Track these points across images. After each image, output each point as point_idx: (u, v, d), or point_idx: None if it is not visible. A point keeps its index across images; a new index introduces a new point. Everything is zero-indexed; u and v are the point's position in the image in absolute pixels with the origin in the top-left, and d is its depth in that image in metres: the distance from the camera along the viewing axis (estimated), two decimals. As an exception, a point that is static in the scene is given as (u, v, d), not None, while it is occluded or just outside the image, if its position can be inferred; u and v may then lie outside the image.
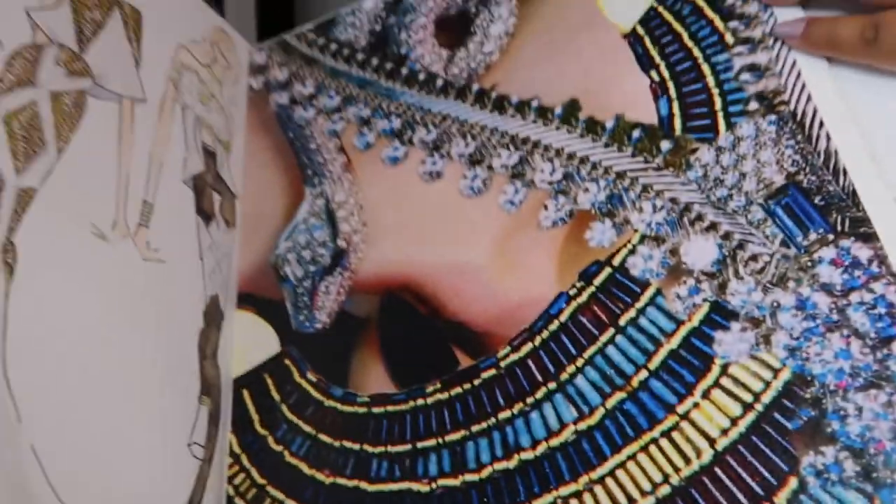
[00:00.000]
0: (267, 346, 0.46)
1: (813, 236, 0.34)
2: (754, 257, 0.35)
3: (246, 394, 0.45)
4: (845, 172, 0.35)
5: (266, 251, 0.49)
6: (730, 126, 0.38)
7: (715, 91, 0.39)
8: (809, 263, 0.34)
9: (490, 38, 0.48)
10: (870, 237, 0.33)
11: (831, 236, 0.34)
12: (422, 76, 0.49)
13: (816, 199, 0.35)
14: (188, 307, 0.45)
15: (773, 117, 0.37)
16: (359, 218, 0.47)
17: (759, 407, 0.33)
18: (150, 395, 0.41)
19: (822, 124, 0.36)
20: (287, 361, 0.45)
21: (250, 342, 0.46)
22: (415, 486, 0.38)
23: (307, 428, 0.42)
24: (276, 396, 0.44)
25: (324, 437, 0.41)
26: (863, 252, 0.33)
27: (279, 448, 0.42)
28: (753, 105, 0.38)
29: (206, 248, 0.48)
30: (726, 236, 0.36)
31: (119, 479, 0.38)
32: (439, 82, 0.48)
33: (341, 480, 0.40)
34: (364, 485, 0.39)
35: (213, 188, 0.50)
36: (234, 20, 0.57)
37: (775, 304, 0.34)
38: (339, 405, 0.42)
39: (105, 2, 0.46)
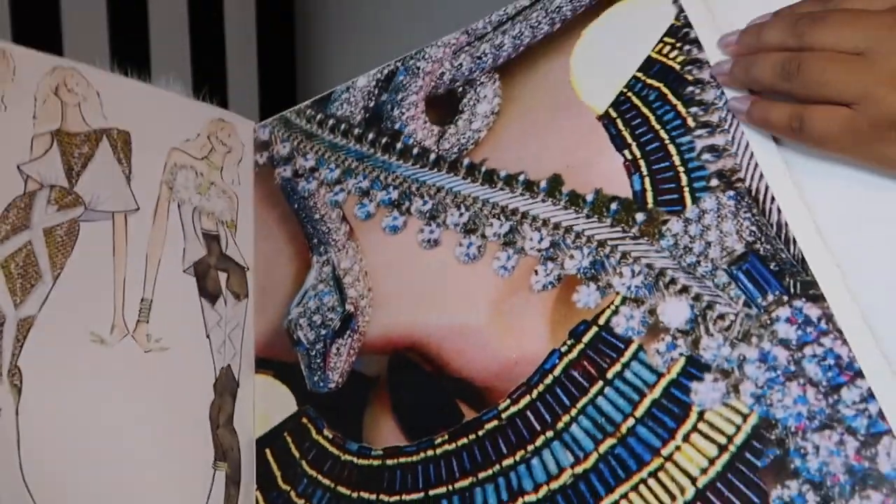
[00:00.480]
0: (285, 406, 0.50)
1: (770, 297, 0.40)
2: (722, 316, 0.41)
3: (268, 452, 0.49)
4: (794, 242, 0.40)
5: (280, 317, 0.53)
6: (695, 200, 0.44)
7: (681, 169, 0.45)
8: (769, 321, 0.39)
9: (477, 116, 0.53)
10: (818, 298, 0.39)
11: (786, 297, 0.39)
12: (416, 150, 0.54)
13: (772, 265, 0.40)
14: (197, 384, 0.50)
15: (731, 192, 0.43)
16: (364, 283, 0.52)
17: (732, 448, 0.38)
18: (163, 471, 0.46)
19: (773, 199, 0.42)
20: (304, 420, 0.49)
21: (270, 404, 0.51)
22: (430, 530, 0.43)
23: (326, 482, 0.46)
24: (296, 453, 0.48)
25: (342, 490, 0.46)
26: (813, 311, 0.39)
27: (301, 502, 0.46)
28: (714, 182, 0.44)
29: (214, 325, 0.52)
30: (697, 298, 0.41)
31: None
32: (432, 156, 0.53)
33: (362, 527, 0.44)
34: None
35: (217, 268, 0.54)
36: (238, 101, 0.61)
37: (741, 357, 0.39)
38: (355, 459, 0.46)
39: (92, 136, 0.51)
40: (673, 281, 0.42)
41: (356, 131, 0.57)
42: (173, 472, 0.46)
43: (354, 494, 0.45)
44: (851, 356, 0.37)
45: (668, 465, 0.39)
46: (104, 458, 0.43)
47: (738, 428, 0.38)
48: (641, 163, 0.46)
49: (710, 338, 0.40)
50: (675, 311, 0.42)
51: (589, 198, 0.47)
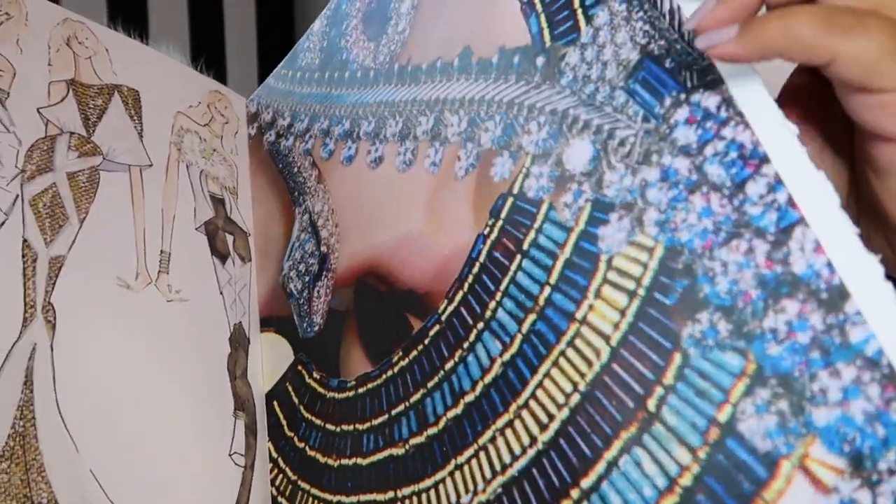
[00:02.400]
0: (286, 358, 0.50)
1: (668, 101, 0.32)
2: (622, 142, 0.34)
3: (275, 404, 0.50)
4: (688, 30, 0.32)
5: (276, 275, 0.54)
6: (588, 20, 0.37)
7: (570, -10, 0.38)
8: (667, 130, 0.32)
9: (401, 16, 0.49)
10: (716, 83, 0.31)
11: (683, 95, 0.32)
12: (359, 74, 0.52)
13: (667, 63, 0.33)
14: (215, 336, 0.51)
15: (620, -6, 0.35)
16: (332, 221, 0.50)
17: (641, 292, 0.31)
18: (189, 416, 0.47)
19: (661, -17, 0.34)
20: (299, 367, 0.49)
21: (275, 359, 0.51)
22: (394, 451, 0.40)
23: (318, 422, 0.46)
24: (295, 400, 0.48)
25: (329, 427, 0.45)
26: (711, 100, 0.31)
27: (302, 445, 0.46)
28: (602, -10, 0.36)
29: (225, 283, 0.54)
30: (598, 130, 0.35)
31: (169, 492, 0.44)
32: (371, 74, 0.51)
33: (344, 461, 0.43)
34: (359, 460, 0.42)
35: (225, 230, 0.56)
36: (237, 82, 0.63)
37: (643, 182, 0.32)
38: (337, 394, 0.45)
39: (105, 89, 0.53)
40: (575, 120, 0.36)
41: (316, 75, 0.56)
42: (200, 417, 0.47)
43: (338, 429, 0.44)
44: (755, 140, 0.29)
45: (584, 329, 0.33)
46: (134, 400, 0.45)
47: (646, 266, 0.31)
48: (536, 1, 0.40)
49: (612, 171, 0.34)
50: (578, 154, 0.35)
51: (494, 60, 0.41)
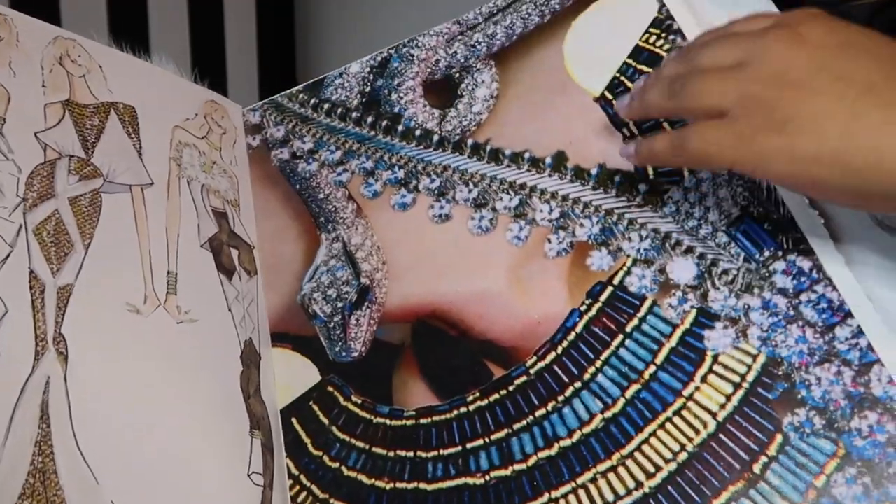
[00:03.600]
0: (308, 377, 0.52)
1: (767, 253, 0.45)
2: (725, 272, 0.46)
3: (295, 421, 0.51)
4: (783, 203, 0.46)
5: (291, 293, 0.55)
6: (691, 171, 0.49)
7: (677, 143, 0.50)
8: (767, 274, 0.45)
9: (477, 100, 0.57)
10: (808, 252, 0.45)
11: (780, 252, 0.45)
12: (418, 132, 0.57)
13: (765, 225, 0.46)
14: (226, 355, 0.51)
15: (725, 163, 0.48)
16: (377, 258, 0.54)
17: (745, 385, 0.43)
18: (205, 438, 0.47)
19: (762, 168, 0.47)
20: (330, 388, 0.51)
21: (292, 375, 0.52)
22: (470, 481, 0.46)
23: (360, 444, 0.49)
24: (325, 420, 0.50)
25: (378, 450, 0.48)
26: (804, 263, 0.44)
27: (335, 465, 0.48)
28: (708, 154, 0.49)
29: (233, 299, 0.53)
30: (702, 256, 0.47)
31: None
32: (435, 137, 0.56)
33: (401, 485, 0.47)
34: (423, 485, 0.46)
35: (230, 245, 0.55)
36: (237, 87, 0.62)
37: (746, 306, 0.45)
38: (388, 420, 0.49)
39: (101, 108, 0.52)
40: (678, 243, 0.47)
41: (354, 115, 0.60)
42: (217, 440, 0.46)
43: (391, 453, 0.48)
44: (841, 300, 0.43)
45: (690, 404, 0.44)
46: (151, 426, 0.44)
47: (749, 367, 0.43)
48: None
49: (716, 291, 0.45)
50: (682, 269, 0.47)
51: (593, 171, 0.51)
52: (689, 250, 0.47)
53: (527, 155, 0.53)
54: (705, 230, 0.47)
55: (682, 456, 0.43)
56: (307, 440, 0.50)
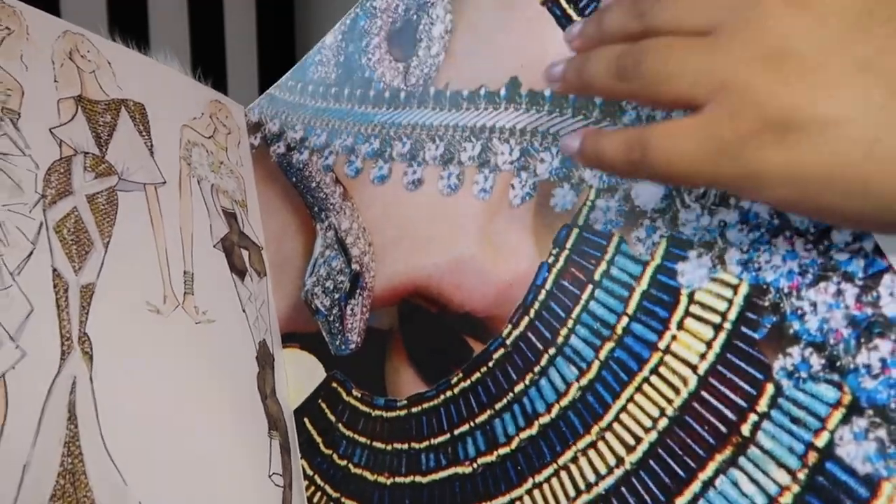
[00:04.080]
0: (316, 375, 0.51)
1: (744, 149, 0.35)
2: (697, 184, 0.36)
3: (307, 421, 0.50)
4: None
5: (296, 291, 0.54)
6: (651, 63, 0.39)
7: (631, 34, 0.40)
8: (746, 177, 0.35)
9: (434, 40, 0.50)
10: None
11: (760, 145, 0.35)
12: (387, 94, 0.52)
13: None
14: (243, 356, 0.51)
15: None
16: (364, 240, 0.51)
17: (727, 325, 0.34)
18: (228, 439, 0.47)
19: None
20: (334, 384, 0.50)
21: (301, 375, 0.52)
22: (460, 470, 0.42)
23: (362, 439, 0.47)
24: (332, 417, 0.49)
25: (377, 445, 0.46)
26: (790, 152, 0.34)
27: (343, 462, 0.47)
28: (667, 37, 0.39)
29: (246, 300, 0.53)
30: (669, 171, 0.38)
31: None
32: (402, 95, 0.51)
33: (399, 479, 0.45)
34: (418, 478, 0.44)
35: (240, 246, 0.55)
36: (237, 88, 0.62)
37: (722, 223, 0.35)
38: (384, 413, 0.47)
39: (112, 104, 0.51)
40: (643, 159, 0.39)
41: (333, 90, 0.56)
42: (239, 440, 0.47)
43: (389, 447, 0.45)
44: (838, 193, 0.32)
45: (668, 358, 0.36)
46: (175, 427, 0.44)
47: (731, 302, 0.34)
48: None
49: (687, 210, 0.36)
50: (648, 191, 0.38)
51: (547, 93, 0.43)
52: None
53: (482, 91, 0.47)
54: (672, 135, 0.38)
55: (663, 422, 0.35)
56: (318, 439, 0.49)
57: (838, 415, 0.31)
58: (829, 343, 0.31)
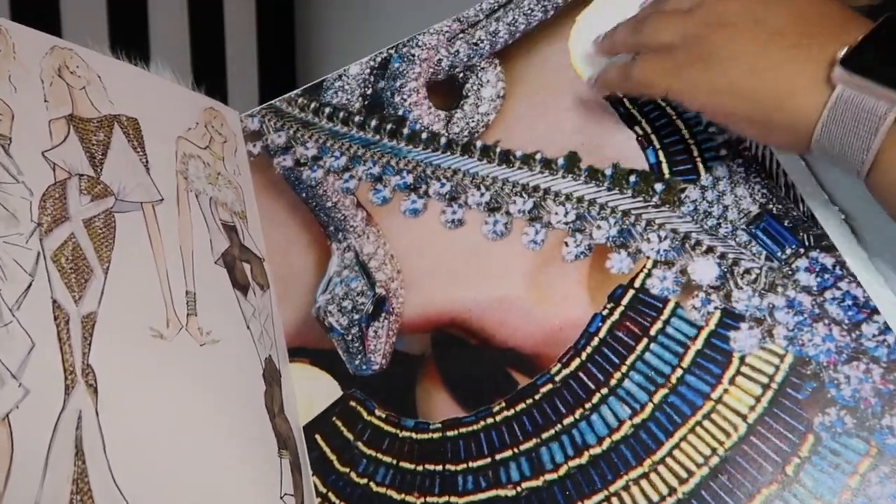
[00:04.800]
0: (329, 392, 0.51)
1: (789, 251, 0.45)
2: (748, 271, 0.46)
3: (319, 438, 0.50)
4: (802, 200, 0.46)
5: (305, 305, 0.54)
6: (707, 169, 0.48)
7: (691, 141, 0.49)
8: (790, 272, 0.45)
9: (483, 100, 0.56)
10: (830, 248, 0.44)
11: (802, 250, 0.45)
12: (424, 135, 0.56)
13: (786, 223, 0.46)
14: (249, 375, 0.50)
15: (740, 160, 0.48)
16: (392, 266, 0.53)
17: (774, 385, 0.43)
18: (238, 462, 0.46)
19: (778, 164, 0.47)
20: (353, 403, 0.50)
21: (311, 391, 0.51)
22: (502, 492, 0.46)
23: (387, 459, 0.48)
24: (350, 436, 0.50)
25: (405, 465, 0.48)
26: (827, 260, 0.44)
27: (364, 481, 0.48)
28: (723, 151, 0.48)
29: (251, 316, 0.52)
30: (723, 256, 0.46)
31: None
32: (443, 140, 0.55)
33: (431, 499, 0.46)
34: (454, 499, 0.46)
35: (242, 259, 0.54)
36: (237, 92, 0.60)
37: (771, 305, 0.44)
38: (414, 434, 0.48)
39: (104, 121, 0.50)
40: (698, 243, 0.47)
41: (356, 118, 0.58)
42: (249, 462, 0.46)
43: (419, 467, 0.47)
44: (866, 296, 0.43)
45: (719, 407, 0.44)
46: (184, 454, 0.43)
47: (777, 367, 0.43)
48: (653, 137, 0.50)
49: (739, 291, 0.45)
50: (704, 270, 0.46)
51: (608, 172, 0.51)
52: (710, 250, 0.47)
53: (538, 156, 0.53)
54: (725, 229, 0.47)
55: (714, 460, 0.43)
56: (333, 456, 0.49)
57: (868, 463, 0.40)
58: (860, 408, 0.41)
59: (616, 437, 0.45)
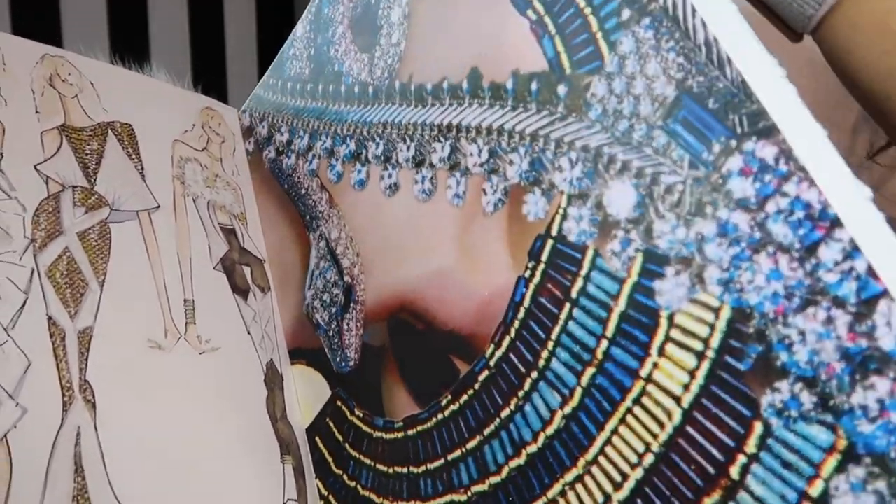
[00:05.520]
0: (322, 392, 0.50)
1: (717, 148, 0.30)
2: (669, 189, 0.32)
3: (318, 440, 0.49)
4: (730, 61, 0.30)
5: (299, 304, 0.53)
6: (611, 47, 0.34)
7: (587, 11, 0.35)
8: (720, 181, 0.30)
9: (393, 26, 0.46)
10: (770, 131, 0.29)
11: (734, 141, 0.30)
12: (356, 89, 0.49)
13: (710, 104, 0.31)
14: (250, 381, 0.50)
15: (647, 20, 0.33)
16: (353, 250, 0.49)
17: (710, 354, 0.30)
18: (240, 470, 0.46)
19: (694, 11, 0.31)
20: (339, 402, 0.48)
21: (311, 392, 0.51)
22: (455, 497, 0.40)
23: (367, 461, 0.46)
24: (339, 437, 0.48)
25: (380, 467, 0.45)
26: (767, 151, 0.29)
27: (353, 484, 0.46)
28: (626, 13, 0.34)
29: (251, 321, 0.52)
30: (640, 173, 0.33)
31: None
32: (370, 90, 0.48)
33: (409, 503, 0.43)
34: (449, 497, 0.42)
35: (241, 263, 0.54)
36: (237, 86, 0.59)
37: (699, 236, 0.31)
38: (384, 434, 0.45)
39: (98, 129, 0.49)
40: (612, 159, 0.34)
41: (309, 87, 0.53)
42: (252, 470, 0.46)
43: (391, 470, 0.44)
44: (823, 200, 0.27)
45: (650, 388, 0.32)
46: (186, 466, 0.44)
47: (712, 327, 0.30)
48: (547, 20, 0.37)
49: (662, 221, 0.32)
50: (620, 197, 0.34)
51: (509, 85, 0.39)
52: (625, 167, 0.34)
53: (445, 84, 0.42)
54: (639, 132, 0.33)
55: (649, 458, 0.32)
56: (329, 459, 0.48)
57: (833, 461, 0.27)
58: (821, 379, 0.27)
59: (549, 430, 0.36)
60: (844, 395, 0.27)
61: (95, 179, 0.48)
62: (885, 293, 0.26)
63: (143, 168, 0.51)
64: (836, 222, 0.27)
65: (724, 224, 0.30)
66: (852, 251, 0.26)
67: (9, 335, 0.40)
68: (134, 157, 0.51)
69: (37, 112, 0.46)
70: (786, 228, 0.28)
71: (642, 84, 0.33)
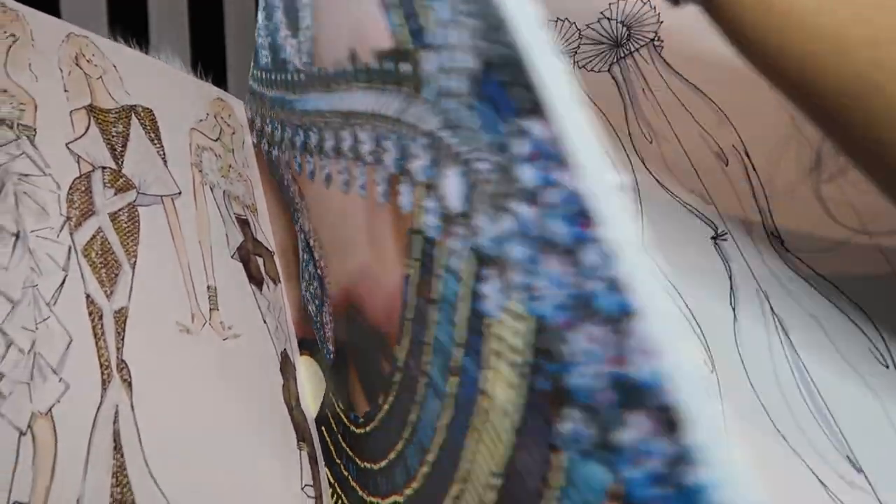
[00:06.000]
0: (322, 383, 0.50)
1: (507, 129, 0.25)
2: (487, 178, 0.27)
3: (323, 430, 0.50)
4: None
5: (300, 296, 0.53)
6: (430, 13, 0.30)
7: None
8: (515, 168, 0.25)
9: (304, 7, 0.44)
10: (543, 111, 0.23)
11: (523, 123, 0.25)
12: (295, 77, 0.47)
13: (504, 74, 0.26)
14: (268, 369, 0.51)
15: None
16: (319, 242, 0.48)
17: (525, 370, 0.26)
18: (264, 456, 0.48)
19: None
20: (331, 395, 0.49)
21: (315, 383, 0.51)
22: (397, 499, 0.39)
23: (351, 454, 0.46)
24: (335, 428, 0.48)
25: (359, 463, 0.44)
26: (547, 132, 0.24)
27: (346, 474, 0.47)
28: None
29: (266, 310, 0.53)
30: (466, 161, 0.29)
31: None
32: (303, 77, 0.46)
33: (375, 499, 0.43)
34: (377, 499, 0.41)
35: (255, 253, 0.55)
36: (238, 80, 0.60)
37: (499, 234, 0.26)
38: (356, 429, 0.44)
39: (122, 112, 0.50)
40: (443, 144, 0.30)
41: (273, 76, 0.52)
42: (274, 455, 0.47)
43: (363, 465, 0.44)
44: (579, 188, 0.22)
45: (487, 404, 0.29)
46: (215, 449, 0.44)
47: (524, 339, 0.26)
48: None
49: (481, 215, 0.28)
50: (452, 188, 0.30)
51: (373, 64, 0.35)
52: (457, 155, 0.29)
53: (341, 70, 0.39)
54: (461, 112, 0.29)
55: (491, 492, 0.29)
56: (332, 448, 0.49)
57: (615, 510, 0.22)
58: (598, 407, 0.22)
59: (438, 441, 0.33)
60: (617, 430, 0.22)
61: (122, 161, 0.47)
62: (636, 309, 0.20)
63: (165, 154, 0.50)
64: (591, 216, 0.21)
65: (523, 220, 0.25)
66: (607, 254, 0.21)
67: (51, 310, 0.40)
68: (156, 142, 0.50)
69: (65, 91, 0.46)
70: (561, 224, 0.23)
71: (459, 55, 0.28)
